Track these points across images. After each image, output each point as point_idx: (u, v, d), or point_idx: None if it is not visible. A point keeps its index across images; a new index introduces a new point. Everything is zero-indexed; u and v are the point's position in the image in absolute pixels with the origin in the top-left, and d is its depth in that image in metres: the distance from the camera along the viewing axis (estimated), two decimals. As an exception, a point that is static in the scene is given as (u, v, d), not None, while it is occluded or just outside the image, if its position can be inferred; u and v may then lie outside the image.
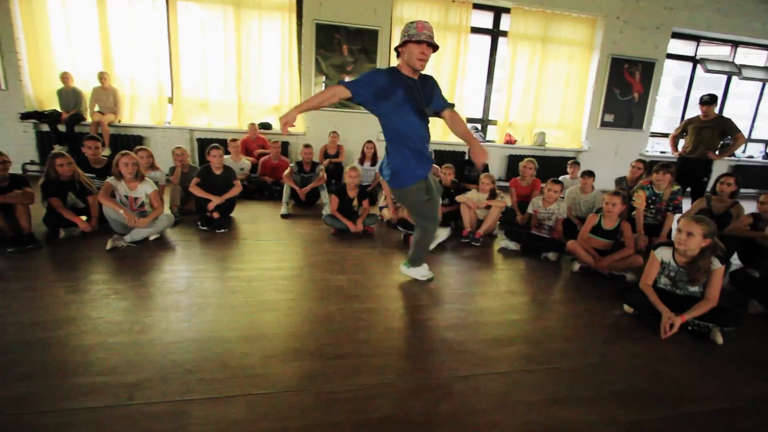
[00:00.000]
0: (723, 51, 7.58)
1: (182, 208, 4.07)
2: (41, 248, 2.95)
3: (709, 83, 7.78)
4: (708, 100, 4.24)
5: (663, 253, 2.26)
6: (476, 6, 6.43)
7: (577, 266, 3.03)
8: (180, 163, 4.21)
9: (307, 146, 4.76)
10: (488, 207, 3.78)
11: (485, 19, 6.69)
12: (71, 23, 5.55)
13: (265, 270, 2.75)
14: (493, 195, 3.82)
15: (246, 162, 5.30)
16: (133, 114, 5.94)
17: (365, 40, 6.06)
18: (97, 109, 5.62)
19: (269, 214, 4.34)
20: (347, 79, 6.10)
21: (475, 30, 6.56)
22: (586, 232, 3.10)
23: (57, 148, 5.45)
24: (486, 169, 4.34)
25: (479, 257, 3.31)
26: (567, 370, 1.77)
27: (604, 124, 7.11)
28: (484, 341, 1.97)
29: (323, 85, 6.15)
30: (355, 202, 3.80)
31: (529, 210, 3.65)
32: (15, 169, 5.51)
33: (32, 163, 5.67)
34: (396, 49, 2.06)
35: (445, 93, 6.44)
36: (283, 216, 4.22)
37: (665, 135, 7.87)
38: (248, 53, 5.98)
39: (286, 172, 4.63)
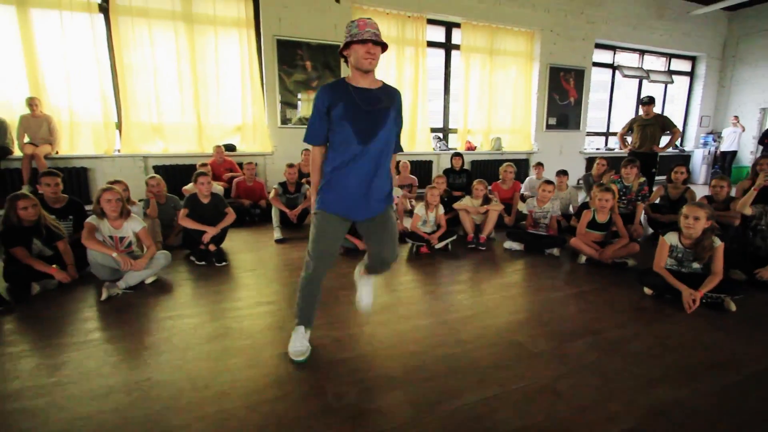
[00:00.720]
0: (634, 58, 8.80)
1: (164, 243, 3.68)
2: (12, 310, 2.48)
3: (624, 86, 8.98)
4: (648, 101, 4.90)
5: (671, 238, 2.57)
6: (430, 21, 6.75)
7: (583, 259, 3.31)
8: (155, 195, 3.81)
9: (290, 166, 4.59)
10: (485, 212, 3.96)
11: (438, 34, 7.04)
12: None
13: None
14: (487, 199, 4.02)
15: (218, 187, 4.95)
16: (73, 143, 5.24)
17: (327, 55, 6.03)
18: (27, 140, 4.86)
19: (261, 240, 4.11)
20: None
21: (431, 44, 6.86)
22: (583, 227, 3.39)
23: (28, 189, 4.63)
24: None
25: (490, 261, 3.45)
26: (636, 354, 1.94)
27: (548, 126, 7.83)
28: (551, 339, 2.07)
29: (296, 101, 5.99)
30: (358, 219, 3.74)
31: (524, 210, 3.89)
32: None
33: (-56, 208, 4.72)
34: (340, 53, 1.76)
35: (407, 105, 6.73)
36: (278, 241, 4.02)
37: (598, 134, 8.88)
38: (205, 71, 5.62)
39: (272, 194, 4.42)
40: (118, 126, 5.43)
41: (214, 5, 5.46)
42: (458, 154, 5.20)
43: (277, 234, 4.10)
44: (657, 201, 4.27)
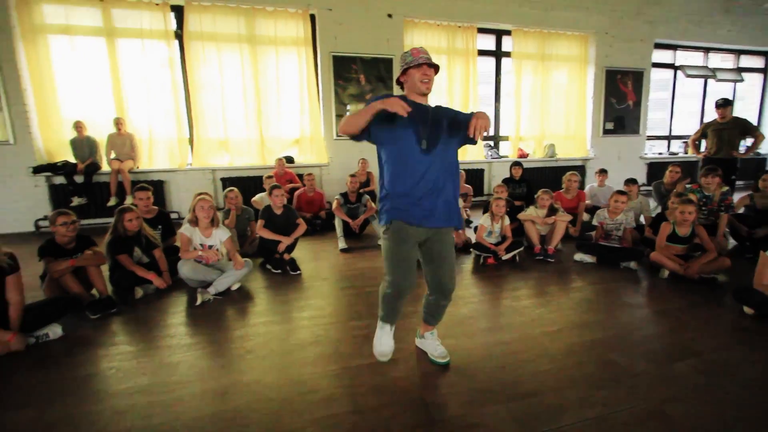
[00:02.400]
0: (697, 57, 8.29)
1: (241, 252, 3.92)
2: (119, 312, 2.75)
3: (688, 86, 8.47)
4: (723, 104, 4.61)
5: (773, 253, 2.41)
6: (480, 30, 6.75)
7: (665, 273, 3.16)
8: (234, 206, 4.07)
9: (353, 176, 4.74)
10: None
11: (489, 42, 7.02)
12: (80, 70, 5.34)
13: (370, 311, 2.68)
14: (553, 210, 3.93)
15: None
16: (152, 158, 5.71)
17: (381, 68, 6.19)
18: (113, 156, 5.37)
19: (325, 249, 4.26)
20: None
21: (482, 53, 6.85)
22: (663, 240, 3.24)
23: (75, 201, 5.17)
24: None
25: (562, 273, 3.38)
26: (751, 381, 1.83)
27: (605, 131, 7.54)
28: (649, 359, 2.00)
29: (346, 112, 6.20)
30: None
31: (595, 222, 3.78)
32: (27, 225, 5.17)
33: (45, 218, 5.30)
34: (398, 80, 1.87)
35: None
36: (343, 251, 4.15)
37: (659, 137, 8.42)
38: (266, 88, 5.95)
39: (334, 204, 4.58)
40: (190, 141, 5.86)
41: (275, 27, 5.78)
42: (518, 164, 5.14)
43: (341, 244, 4.23)
44: (741, 211, 3.98)
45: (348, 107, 6.19)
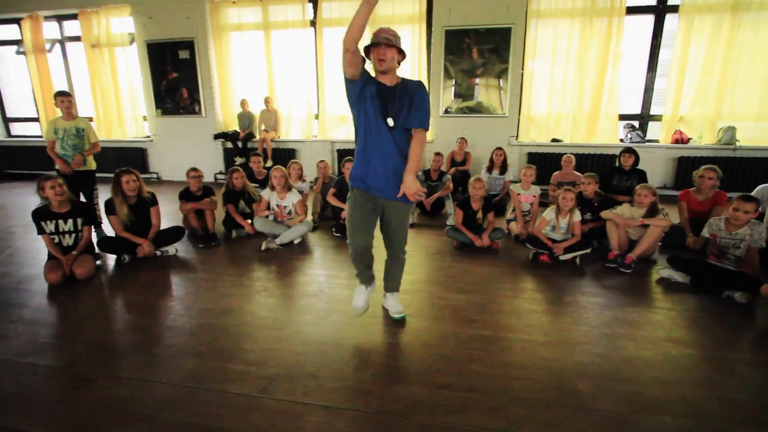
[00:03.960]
0: None
1: (322, 215, 4.57)
2: (220, 245, 3.71)
3: None
4: None
5: None
6: (635, -19, 5.43)
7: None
8: (322, 175, 4.74)
9: (437, 154, 4.79)
10: (644, 225, 3.14)
11: (647, -5, 5.59)
12: (245, 59, 6.83)
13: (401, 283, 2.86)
14: (653, 211, 3.16)
15: (376, 171, 5.62)
16: (288, 130, 6.96)
17: (497, 39, 5.75)
18: (263, 128, 6.78)
19: (395, 222, 4.50)
20: (477, 81, 5.93)
21: (633, 10, 5.53)
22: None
23: (237, 161, 6.78)
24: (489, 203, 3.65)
25: (630, 288, 2.77)
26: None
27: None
28: (627, 402, 1.63)
29: (452, 90, 6.10)
30: (480, 215, 3.64)
31: (705, 233, 2.88)
32: (208, 178, 7.11)
33: (221, 173, 7.17)
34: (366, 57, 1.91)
35: (591, 86, 5.71)
36: (411, 225, 4.33)
37: None
38: (382, 67, 6.34)
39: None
40: (317, 117, 6.85)
41: (393, 6, 6.03)
42: (630, 151, 4.15)
43: (409, 218, 4.41)
44: None
45: (453, 83, 6.05)
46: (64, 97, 3.65)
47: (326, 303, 2.53)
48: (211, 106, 6.98)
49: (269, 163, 6.37)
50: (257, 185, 4.61)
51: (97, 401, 1.65)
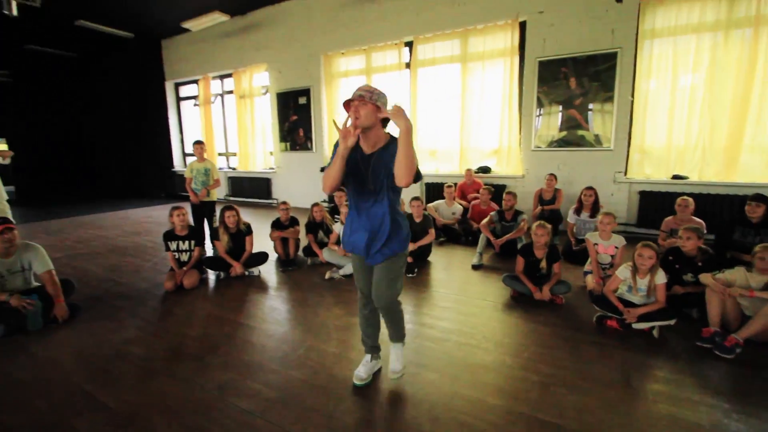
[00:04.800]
0: None
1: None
2: (296, 270, 4.23)
3: None
4: None
5: None
6: (801, -20, 4.30)
7: None
8: (395, 210, 4.97)
9: (509, 193, 4.56)
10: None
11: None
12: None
13: (433, 329, 2.86)
14: (775, 281, 2.44)
15: (458, 206, 5.59)
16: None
17: (599, 66, 5.21)
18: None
19: (465, 262, 4.39)
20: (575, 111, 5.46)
21: (798, 15, 4.37)
22: None
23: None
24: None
25: (728, 384, 2.14)
26: None
27: None
28: None
29: (544, 121, 5.71)
30: (544, 264, 3.33)
31: None
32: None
33: (323, 201, 8.05)
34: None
35: (729, 111, 4.63)
36: (474, 267, 4.20)
37: None
38: (471, 101, 6.35)
39: (485, 220, 4.60)
40: (408, 151, 7.16)
41: (484, 42, 6.04)
42: (761, 198, 3.20)
43: (475, 260, 4.28)
44: None
45: (540, 111, 5.66)
46: (198, 145, 4.76)
47: (357, 340, 2.68)
48: (320, 142, 7.98)
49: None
50: (337, 217, 5.10)
51: (154, 391, 2.12)
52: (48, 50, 10.21)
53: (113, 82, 11.21)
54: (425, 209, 5.61)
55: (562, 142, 5.65)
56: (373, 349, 2.23)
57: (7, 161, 4.07)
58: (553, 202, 5.22)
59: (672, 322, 2.61)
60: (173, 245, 3.84)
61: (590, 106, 5.34)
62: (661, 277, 2.71)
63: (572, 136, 5.57)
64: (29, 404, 2.04)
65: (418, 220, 4.36)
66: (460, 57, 6.30)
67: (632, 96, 5.14)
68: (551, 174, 5.25)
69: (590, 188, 4.40)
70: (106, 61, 10.92)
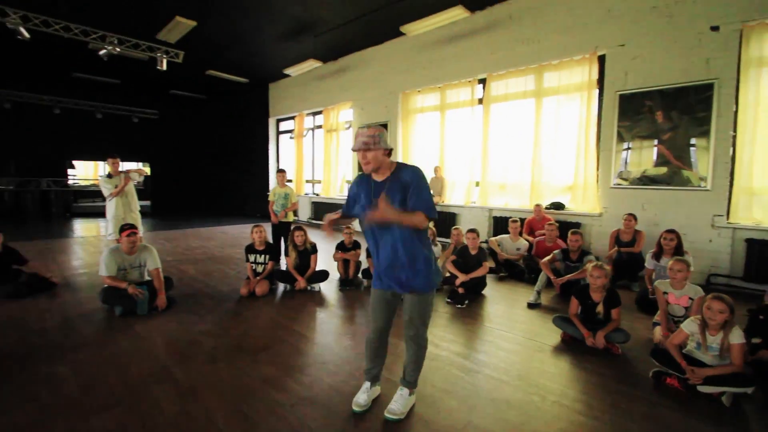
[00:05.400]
0: None
1: (444, 277, 4.82)
2: (352, 290, 4.52)
3: None
4: None
5: None
6: None
7: None
8: (455, 242, 5.03)
9: (575, 233, 4.32)
10: None
11: None
12: (424, 133, 8.00)
13: (467, 359, 2.87)
14: None
15: (523, 242, 5.42)
16: (451, 195, 7.57)
17: (690, 98, 4.75)
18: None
19: (522, 299, 4.22)
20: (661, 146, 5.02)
21: None
22: None
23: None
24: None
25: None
26: None
27: None
28: None
29: (622, 155, 5.32)
30: (600, 309, 3.09)
31: None
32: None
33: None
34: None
35: None
36: (530, 305, 4.03)
37: None
38: (545, 135, 6.20)
39: (547, 258, 4.40)
40: (477, 184, 7.19)
41: (559, 77, 5.94)
42: None
43: (532, 298, 4.10)
44: None
45: (629, 145, 5.25)
46: (281, 173, 5.50)
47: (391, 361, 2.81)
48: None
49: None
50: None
51: (212, 373, 2.52)
52: (185, 93, 12.70)
53: (231, 118, 13.38)
54: (486, 242, 5.57)
55: (647, 180, 5.17)
56: (375, 378, 2.26)
57: (141, 179, 5.19)
58: (632, 244, 4.76)
59: (749, 390, 2.24)
60: (251, 257, 4.45)
61: (692, 141, 4.83)
62: (737, 337, 2.36)
63: (657, 176, 5.07)
64: (126, 369, 2.60)
65: (473, 252, 4.37)
66: (534, 92, 6.26)
67: (734, 131, 4.55)
68: (630, 214, 4.82)
69: (672, 231, 3.96)
70: (226, 102, 13.12)
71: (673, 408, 2.25)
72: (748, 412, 2.21)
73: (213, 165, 14.39)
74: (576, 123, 5.83)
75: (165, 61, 7.60)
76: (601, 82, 5.55)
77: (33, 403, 2.20)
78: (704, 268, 4.74)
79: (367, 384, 2.25)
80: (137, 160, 13.77)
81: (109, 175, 4.97)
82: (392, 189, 1.93)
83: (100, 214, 12.09)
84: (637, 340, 3.11)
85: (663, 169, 5.03)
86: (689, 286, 3.00)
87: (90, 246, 7.15)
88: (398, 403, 2.12)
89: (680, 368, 2.45)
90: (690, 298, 2.97)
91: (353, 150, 1.96)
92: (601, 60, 5.53)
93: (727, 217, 4.69)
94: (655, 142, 5.07)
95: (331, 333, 3.33)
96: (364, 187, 2.05)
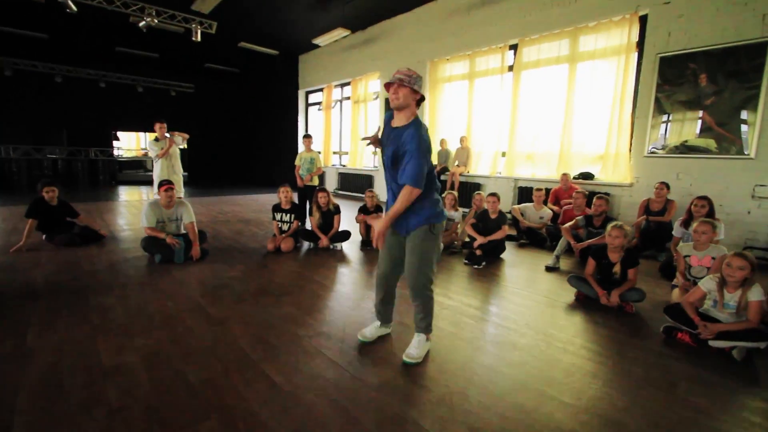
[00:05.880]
0: None
1: (464, 241, 4.88)
2: (375, 251, 4.68)
3: None
4: None
5: None
6: None
7: None
8: (476, 207, 5.04)
9: (600, 197, 4.22)
10: None
11: None
12: (452, 103, 7.88)
13: (478, 310, 2.97)
14: None
15: (547, 211, 5.35)
16: (477, 166, 7.49)
17: (740, 60, 4.42)
18: (456, 163, 7.60)
19: (540, 264, 4.22)
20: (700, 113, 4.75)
21: None
22: None
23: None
24: None
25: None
26: None
27: None
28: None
29: (666, 126, 5.06)
30: (618, 269, 3.07)
31: None
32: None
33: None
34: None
35: None
36: (548, 268, 4.03)
37: None
38: (577, 103, 5.97)
39: (568, 224, 4.35)
40: (503, 154, 7.07)
41: (595, 40, 5.65)
42: None
43: (550, 261, 4.10)
44: None
45: (669, 117, 4.99)
46: (307, 138, 5.65)
47: (401, 308, 2.95)
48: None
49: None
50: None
51: (240, 310, 2.76)
52: (219, 67, 13.03)
53: (262, 91, 13.64)
54: (510, 212, 5.53)
55: (684, 149, 4.92)
56: (385, 319, 2.39)
57: (184, 145, 5.53)
58: (662, 213, 4.60)
59: (763, 345, 2.21)
60: (278, 216, 4.68)
61: (722, 112, 4.54)
62: (756, 294, 2.31)
63: (696, 144, 4.81)
64: (164, 303, 2.89)
65: (493, 216, 4.39)
66: (568, 57, 6.00)
67: (786, 94, 4.22)
68: (662, 182, 4.62)
69: (703, 198, 3.80)
70: (258, 74, 13.35)
71: (680, 359, 2.26)
72: (759, 367, 2.19)
73: (245, 137, 14.84)
74: (611, 89, 5.57)
75: (199, 32, 7.83)
76: (641, 44, 5.24)
77: (87, 324, 2.51)
78: (739, 239, 4.53)
79: (377, 323, 2.41)
80: (174, 132, 14.42)
81: (156, 139, 5.33)
82: (393, 142, 2.02)
83: (143, 182, 13.03)
84: (654, 302, 3.08)
85: (705, 139, 4.76)
86: (712, 247, 2.92)
87: (132, 208, 7.70)
88: (415, 348, 2.17)
89: (692, 324, 2.43)
90: (712, 258, 2.90)
91: (387, 84, 2.01)
92: (642, 20, 5.20)
93: (771, 188, 4.41)
94: (700, 112, 4.76)
95: (349, 284, 3.51)
96: (385, 124, 2.14)
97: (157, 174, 5.32)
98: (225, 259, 4.13)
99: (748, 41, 4.37)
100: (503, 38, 6.73)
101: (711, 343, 2.35)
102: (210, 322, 2.59)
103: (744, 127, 4.48)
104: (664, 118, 5.05)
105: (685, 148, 4.91)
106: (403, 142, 1.95)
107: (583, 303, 3.11)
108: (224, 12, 7.89)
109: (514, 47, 6.68)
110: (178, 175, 5.47)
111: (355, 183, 10.18)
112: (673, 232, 4.02)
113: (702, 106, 4.73)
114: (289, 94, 12.42)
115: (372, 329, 2.39)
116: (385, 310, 2.38)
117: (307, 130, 12.43)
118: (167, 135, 5.36)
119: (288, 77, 12.30)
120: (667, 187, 4.61)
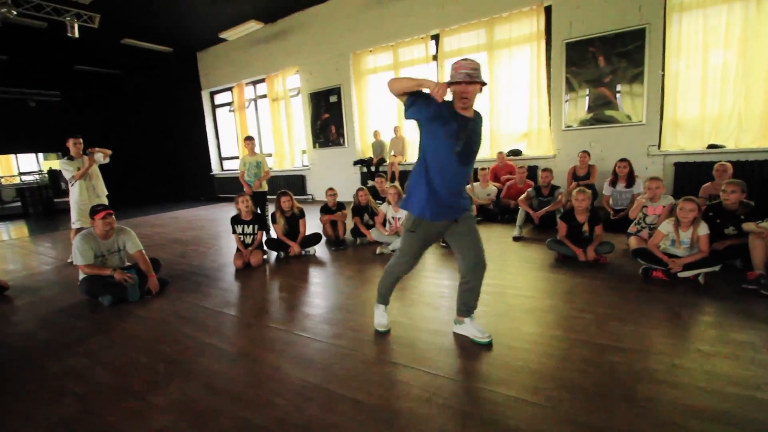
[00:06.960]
0: None
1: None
2: (347, 249, 4.56)
3: None
4: None
5: None
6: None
7: None
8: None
9: (545, 170, 4.75)
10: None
11: None
12: (380, 94, 7.97)
13: (485, 285, 3.10)
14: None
15: (492, 188, 5.81)
16: (414, 155, 7.73)
17: (627, 43, 5.33)
18: (392, 153, 7.73)
19: (503, 236, 4.60)
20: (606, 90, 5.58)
21: (831, -24, 4.39)
22: None
23: (370, 183, 7.88)
24: None
25: (769, 313, 2.34)
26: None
27: None
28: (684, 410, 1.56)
29: (575, 103, 5.86)
30: (586, 227, 3.53)
31: None
32: (349, 197, 8.41)
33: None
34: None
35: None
36: (515, 238, 4.42)
37: None
38: (499, 87, 6.55)
39: (522, 196, 4.80)
40: (438, 140, 7.42)
41: (510, 29, 6.24)
42: None
43: (516, 232, 4.50)
44: None
45: (568, 96, 5.80)
46: (249, 141, 5.19)
47: (399, 300, 2.96)
48: (352, 138, 8.35)
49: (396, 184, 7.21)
50: (380, 201, 5.41)
51: (254, 336, 2.47)
52: (94, 69, 11.05)
53: (153, 95, 11.97)
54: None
55: (593, 121, 5.78)
56: (386, 300, 2.45)
57: (107, 160, 4.61)
58: (587, 177, 5.36)
59: (717, 268, 2.78)
60: (239, 228, 4.24)
61: (618, 87, 5.46)
62: (703, 229, 2.88)
63: (601, 116, 5.69)
64: (154, 348, 2.43)
65: (458, 198, 4.61)
66: (486, 45, 6.52)
67: (663, 70, 5.24)
68: (584, 151, 5.39)
69: (624, 160, 4.55)
70: (147, 75, 11.67)
71: (660, 291, 2.73)
72: (718, 287, 2.75)
73: (142, 148, 12.88)
74: (527, 73, 6.23)
75: (76, 27, 6.51)
76: (548, 32, 5.95)
77: (68, 396, 1.99)
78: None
79: (382, 307, 2.44)
80: (37, 151, 11.92)
81: (71, 158, 4.34)
82: (475, 130, 1.98)
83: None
84: (617, 252, 3.61)
85: (604, 112, 5.65)
86: (663, 197, 3.53)
87: (20, 249, 6.20)
88: (482, 331, 2.21)
89: (662, 262, 2.93)
90: (663, 207, 3.51)
91: (451, 83, 1.80)
92: (548, 11, 5.90)
93: (659, 147, 5.46)
94: (602, 89, 5.63)
95: (352, 285, 3.38)
96: (452, 115, 1.89)
97: (75, 199, 4.35)
98: (191, 287, 3.61)
99: (630, 28, 5.29)
100: (424, 29, 7.00)
101: (680, 275, 2.86)
102: (232, 356, 2.27)
103: (635, 99, 5.44)
104: (574, 95, 5.85)
105: (594, 121, 5.77)
106: (478, 133, 2.03)
107: (563, 262, 3.50)
108: (106, 3, 6.69)
109: (435, 37, 7.00)
110: (102, 198, 4.56)
111: (286, 185, 9.66)
112: (603, 192, 4.74)
113: (603, 83, 5.61)
114: (191, 97, 11.14)
115: (386, 315, 2.44)
116: (392, 291, 2.43)
117: (218, 136, 11.36)
118: (86, 153, 4.42)
119: (187, 78, 11.01)
120: (588, 154, 5.38)
